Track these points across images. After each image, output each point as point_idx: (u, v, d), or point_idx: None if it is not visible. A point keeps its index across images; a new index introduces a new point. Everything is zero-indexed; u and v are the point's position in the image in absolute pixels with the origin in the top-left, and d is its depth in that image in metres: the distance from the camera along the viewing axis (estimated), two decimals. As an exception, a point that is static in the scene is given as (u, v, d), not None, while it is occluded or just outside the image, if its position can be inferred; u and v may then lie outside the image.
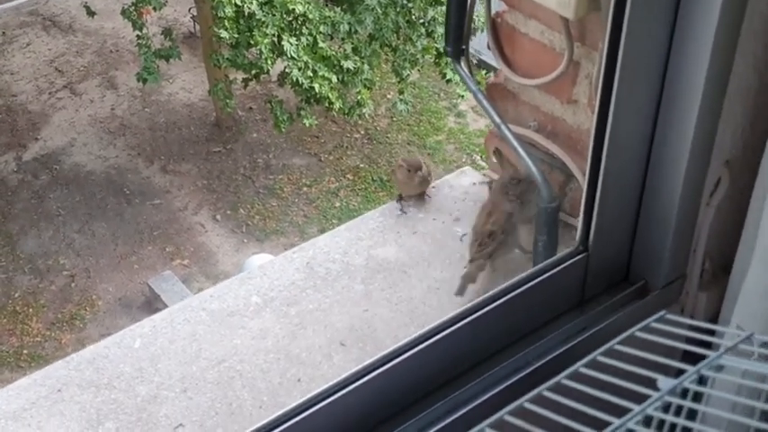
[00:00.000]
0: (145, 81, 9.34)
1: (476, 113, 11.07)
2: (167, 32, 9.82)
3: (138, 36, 9.37)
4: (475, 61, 1.92)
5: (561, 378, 0.98)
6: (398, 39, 9.44)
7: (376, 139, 10.95)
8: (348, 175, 10.47)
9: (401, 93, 9.73)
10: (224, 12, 8.60)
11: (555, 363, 1.39)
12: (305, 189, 10.26)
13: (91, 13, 10.55)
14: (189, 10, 11.47)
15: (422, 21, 9.47)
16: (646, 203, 1.48)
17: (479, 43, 2.44)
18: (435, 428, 1.29)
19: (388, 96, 11.14)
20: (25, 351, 8.49)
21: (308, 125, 9.37)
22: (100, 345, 1.71)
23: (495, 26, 1.86)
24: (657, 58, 1.35)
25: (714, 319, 1.62)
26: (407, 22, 9.34)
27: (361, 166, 10.59)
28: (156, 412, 1.57)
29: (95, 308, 8.89)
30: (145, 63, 9.29)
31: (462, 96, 10.02)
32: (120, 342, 1.70)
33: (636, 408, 0.86)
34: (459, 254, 1.89)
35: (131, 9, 9.34)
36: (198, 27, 11.00)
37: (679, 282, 1.58)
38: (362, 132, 10.99)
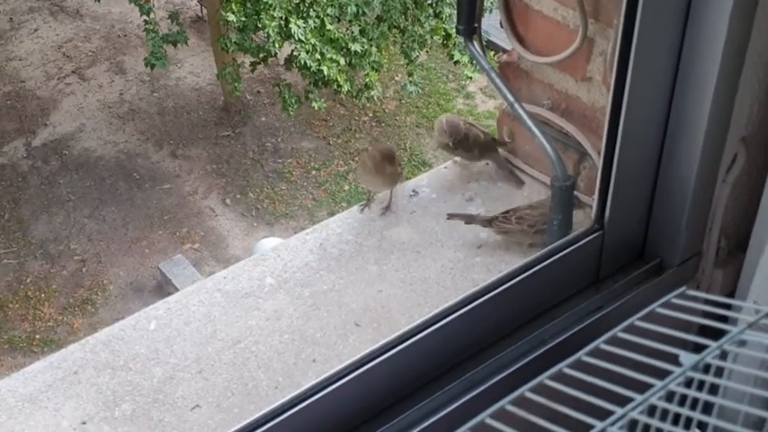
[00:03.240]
0: (153, 66, 9.31)
1: (484, 95, 11.02)
2: (174, 17, 9.78)
3: (145, 21, 9.34)
4: (484, 42, 1.91)
5: (581, 355, 0.98)
6: (406, 20, 9.39)
7: (384, 121, 10.92)
8: (357, 158, 10.45)
9: (410, 75, 9.68)
10: (231, -5, 8.58)
11: (571, 341, 1.39)
12: (314, 172, 10.25)
13: (98, -2, 10.53)
14: (196, -6, 11.46)
15: (429, 1, 9.42)
16: (661, 181, 1.47)
17: (487, 24, 2.43)
18: (454, 406, 1.29)
19: (396, 78, 11.11)
20: (38, 336, 8.53)
21: (316, 108, 9.34)
22: (115, 327, 1.71)
23: (507, 4, 1.85)
24: (673, 34, 1.34)
25: (730, 297, 1.61)
26: (415, 2, 9.28)
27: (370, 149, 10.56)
28: (172, 393, 1.58)
29: (107, 292, 8.92)
30: (152, 48, 9.25)
31: (471, 78, 9.97)
32: (136, 324, 1.71)
33: (658, 383, 0.86)
34: (473, 233, 1.89)
35: (138, -7, 9.33)
36: (205, 11, 10.98)
37: (695, 259, 1.57)
38: (371, 115, 10.96)
